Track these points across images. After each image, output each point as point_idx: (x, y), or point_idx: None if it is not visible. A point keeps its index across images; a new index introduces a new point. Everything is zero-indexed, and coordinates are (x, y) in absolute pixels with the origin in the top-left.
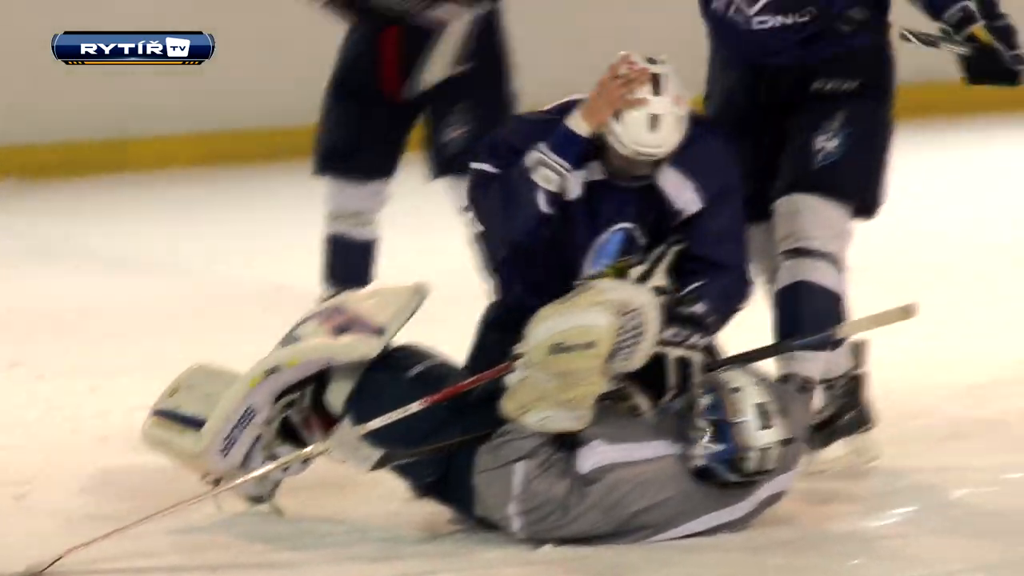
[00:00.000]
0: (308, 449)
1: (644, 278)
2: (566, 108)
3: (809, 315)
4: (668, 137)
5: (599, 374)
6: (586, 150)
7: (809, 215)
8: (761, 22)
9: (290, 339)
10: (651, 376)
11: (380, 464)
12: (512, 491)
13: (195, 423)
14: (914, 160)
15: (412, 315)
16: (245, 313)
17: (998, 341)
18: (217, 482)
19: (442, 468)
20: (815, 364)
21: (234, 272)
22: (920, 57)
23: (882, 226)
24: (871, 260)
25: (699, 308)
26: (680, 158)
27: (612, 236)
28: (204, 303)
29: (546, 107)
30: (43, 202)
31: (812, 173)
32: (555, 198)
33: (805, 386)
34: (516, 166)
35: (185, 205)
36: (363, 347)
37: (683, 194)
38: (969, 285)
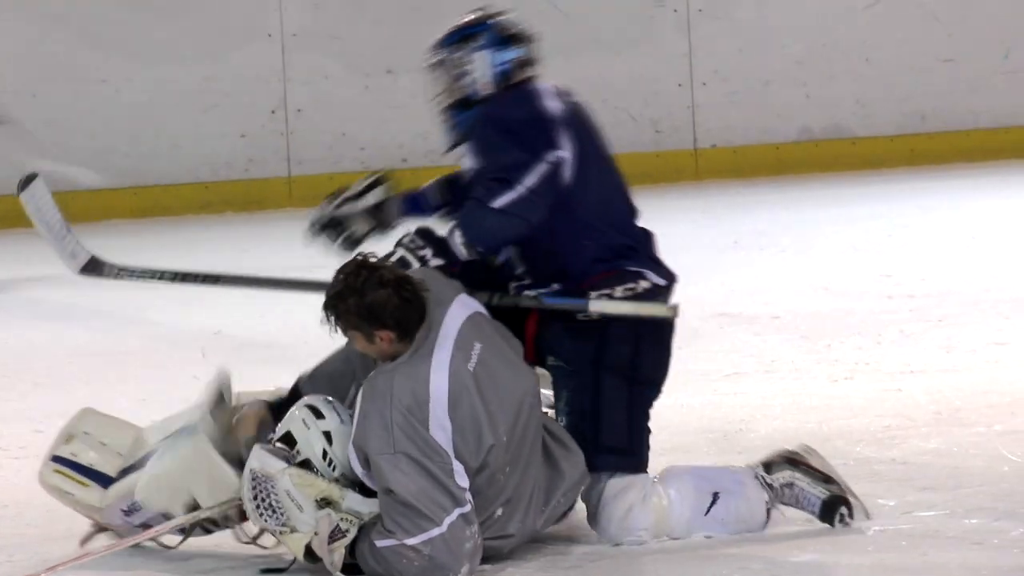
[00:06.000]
0: (193, 515)
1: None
2: None
3: None
4: None
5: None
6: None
7: None
8: None
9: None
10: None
11: None
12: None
13: (95, 475)
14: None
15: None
16: (183, 358)
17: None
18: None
19: None
20: None
21: (171, 319)
22: None
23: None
24: (785, 309)
25: (449, 235)
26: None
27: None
28: (141, 349)
29: None
30: None
31: None
32: None
33: None
34: None
35: (122, 255)
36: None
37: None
38: (880, 334)
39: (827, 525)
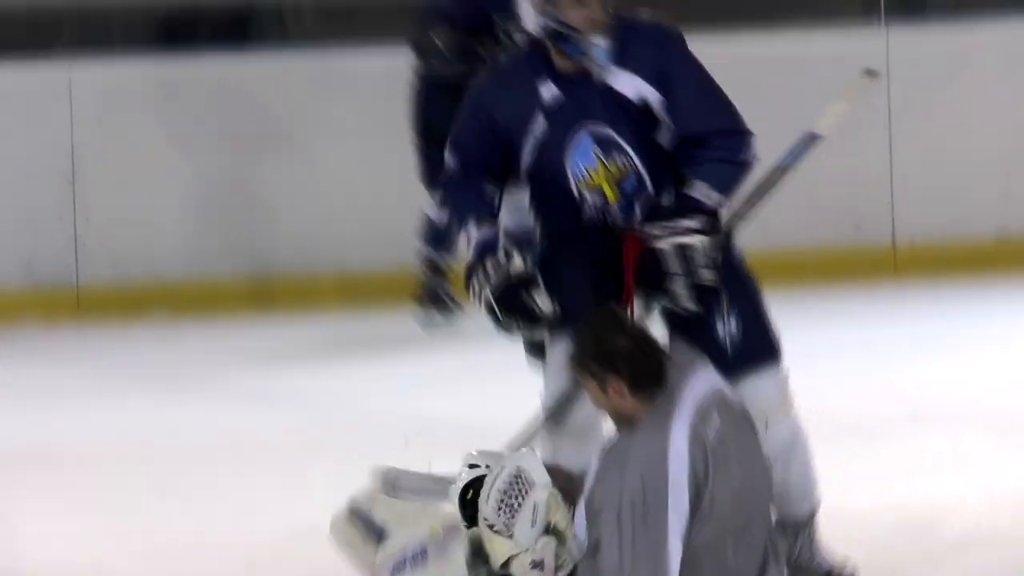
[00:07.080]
0: None
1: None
2: None
3: None
4: None
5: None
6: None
7: None
8: None
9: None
10: (650, 274)
11: None
12: None
13: (380, 532)
14: None
15: None
16: (391, 446)
17: None
18: None
19: None
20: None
21: (377, 405)
22: None
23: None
24: (981, 405)
25: (695, 191)
26: (620, 58)
27: (583, 137)
28: (347, 434)
29: None
30: (191, 337)
31: None
32: None
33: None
34: None
35: (328, 341)
36: None
37: (638, 87)
38: None
39: None
